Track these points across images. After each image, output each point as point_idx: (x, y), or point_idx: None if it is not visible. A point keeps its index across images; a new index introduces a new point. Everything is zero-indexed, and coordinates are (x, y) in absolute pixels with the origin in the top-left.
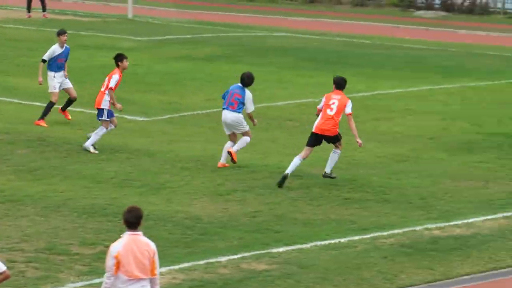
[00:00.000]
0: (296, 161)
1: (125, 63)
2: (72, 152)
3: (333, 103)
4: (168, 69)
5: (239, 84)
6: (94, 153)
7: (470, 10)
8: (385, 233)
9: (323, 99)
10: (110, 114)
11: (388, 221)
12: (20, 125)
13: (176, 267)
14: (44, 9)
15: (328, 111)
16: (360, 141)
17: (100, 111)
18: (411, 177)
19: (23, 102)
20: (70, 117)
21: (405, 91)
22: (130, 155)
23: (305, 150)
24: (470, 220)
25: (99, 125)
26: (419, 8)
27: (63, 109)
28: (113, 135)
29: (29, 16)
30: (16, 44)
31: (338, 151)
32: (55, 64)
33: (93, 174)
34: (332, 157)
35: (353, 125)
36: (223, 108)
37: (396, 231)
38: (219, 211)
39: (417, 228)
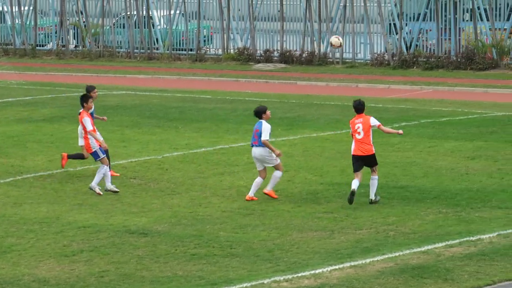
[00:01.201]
0: (356, 183)
1: (90, 104)
2: None
3: (358, 127)
4: (9, 132)
5: (259, 120)
6: (99, 194)
7: (309, 61)
8: None
9: (350, 126)
10: (103, 152)
11: (236, 275)
12: None
13: None
14: None
15: (357, 136)
16: (400, 131)
17: (94, 154)
18: (257, 230)
19: None
20: None
21: (248, 144)
22: None
23: (357, 176)
24: (318, 271)
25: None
26: (258, 61)
27: None
28: None
29: None
30: None
31: (376, 177)
32: None
33: None
34: (372, 183)
35: (385, 128)
36: (251, 146)
37: (244, 284)
38: (66, 273)
39: (265, 281)
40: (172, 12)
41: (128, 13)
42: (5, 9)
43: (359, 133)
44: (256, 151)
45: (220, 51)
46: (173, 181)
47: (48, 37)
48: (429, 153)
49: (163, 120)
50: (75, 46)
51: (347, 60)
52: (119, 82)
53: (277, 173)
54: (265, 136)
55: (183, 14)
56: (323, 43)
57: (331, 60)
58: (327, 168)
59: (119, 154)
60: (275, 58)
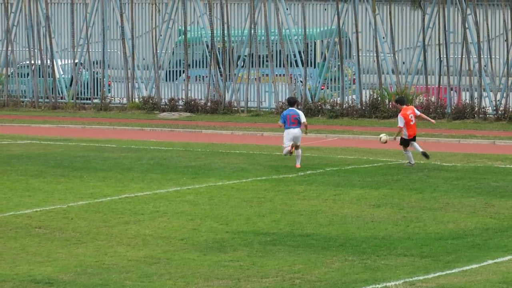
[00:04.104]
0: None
1: None
2: None
3: (411, 115)
4: None
5: (291, 108)
6: None
7: (214, 110)
8: None
9: (402, 118)
10: None
11: None
12: None
13: None
14: None
15: (411, 123)
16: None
17: None
18: (163, 279)
19: None
20: None
21: (153, 193)
22: None
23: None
24: None
25: None
26: (163, 110)
27: None
28: None
29: None
30: None
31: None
32: None
33: None
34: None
35: (423, 115)
36: (288, 127)
37: None
38: None
39: None
40: (76, 61)
41: (32, 62)
42: None
43: (411, 120)
44: (296, 131)
45: (124, 100)
46: (79, 230)
47: None
48: (335, 201)
49: (68, 169)
50: None
51: (252, 109)
52: (24, 131)
53: (300, 151)
54: (304, 119)
55: (81, 63)
56: (227, 91)
57: (236, 108)
58: (232, 217)
59: (23, 204)
60: (180, 106)
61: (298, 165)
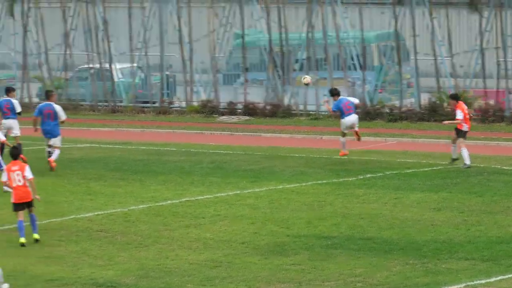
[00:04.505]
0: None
1: None
2: None
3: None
4: None
5: (343, 97)
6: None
7: (273, 113)
8: None
9: (461, 112)
10: None
11: None
12: None
13: None
14: None
15: (467, 116)
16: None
17: None
18: (225, 283)
19: None
20: None
21: (214, 196)
22: None
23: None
24: None
25: None
26: (222, 114)
27: None
28: None
29: None
30: None
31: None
32: None
33: None
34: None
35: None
36: (346, 116)
37: None
38: None
39: None
40: (135, 64)
41: (90, 65)
42: None
43: (468, 113)
44: (353, 117)
45: (184, 104)
46: (140, 234)
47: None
48: (395, 205)
49: (128, 173)
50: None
51: (311, 112)
52: (83, 135)
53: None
54: (357, 100)
55: (139, 67)
56: (286, 95)
57: (295, 112)
58: (293, 220)
59: (84, 207)
60: (239, 110)
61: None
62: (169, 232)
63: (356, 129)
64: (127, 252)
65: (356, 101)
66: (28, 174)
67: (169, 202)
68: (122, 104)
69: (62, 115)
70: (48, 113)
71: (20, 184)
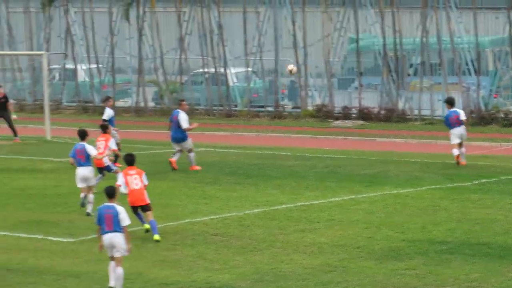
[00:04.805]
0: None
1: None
2: None
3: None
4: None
5: (452, 109)
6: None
7: (387, 118)
8: None
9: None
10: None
11: None
12: None
13: None
14: None
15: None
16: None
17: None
18: (340, 287)
19: None
20: None
21: (328, 201)
22: (57, 276)
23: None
24: None
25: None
26: (336, 118)
27: None
28: (40, 258)
29: None
30: None
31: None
32: None
33: None
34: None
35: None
36: (453, 127)
37: None
38: None
39: None
40: (249, 69)
41: (205, 70)
42: (83, 66)
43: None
44: (461, 129)
45: (298, 109)
46: (255, 238)
47: (120, 94)
48: (510, 210)
49: (243, 177)
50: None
51: (425, 117)
52: (198, 139)
53: (463, 149)
54: (464, 116)
55: (254, 71)
56: (401, 99)
57: (409, 117)
58: (408, 225)
59: (200, 211)
60: (354, 115)
61: (463, 162)
62: (284, 236)
63: (463, 150)
64: (242, 256)
65: (463, 117)
66: (145, 180)
67: (284, 206)
68: (237, 108)
69: (184, 124)
70: (176, 120)
71: (137, 188)
